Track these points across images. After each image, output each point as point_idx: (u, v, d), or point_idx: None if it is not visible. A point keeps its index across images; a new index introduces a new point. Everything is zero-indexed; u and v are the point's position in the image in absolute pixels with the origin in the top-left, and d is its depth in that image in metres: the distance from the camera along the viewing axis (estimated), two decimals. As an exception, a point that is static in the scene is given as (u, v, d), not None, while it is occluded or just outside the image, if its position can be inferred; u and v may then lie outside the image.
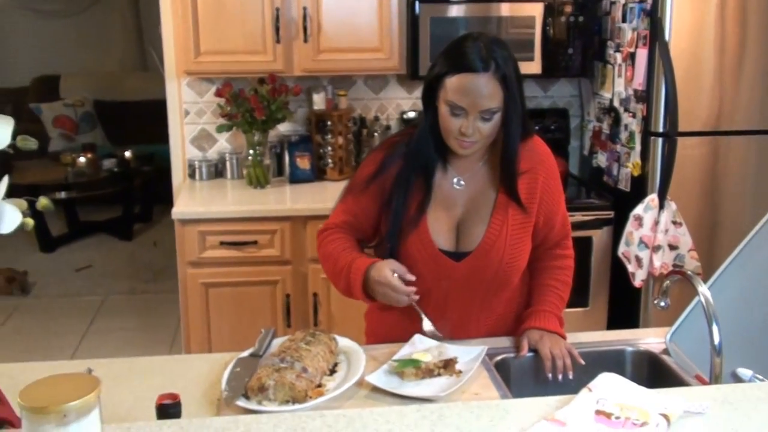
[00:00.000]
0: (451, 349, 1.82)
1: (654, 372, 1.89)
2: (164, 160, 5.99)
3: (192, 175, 3.70)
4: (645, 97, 3.18)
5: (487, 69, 1.74)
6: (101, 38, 7.62)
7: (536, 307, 1.97)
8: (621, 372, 1.90)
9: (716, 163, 3.25)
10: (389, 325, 2.02)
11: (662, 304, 1.74)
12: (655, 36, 3.09)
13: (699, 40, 3.11)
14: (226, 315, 3.31)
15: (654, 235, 3.18)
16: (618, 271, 3.37)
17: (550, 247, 2.01)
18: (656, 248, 3.18)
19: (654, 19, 3.08)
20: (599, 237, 3.38)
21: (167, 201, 4.39)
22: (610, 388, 1.38)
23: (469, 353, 1.80)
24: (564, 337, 1.92)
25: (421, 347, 1.83)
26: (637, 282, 3.24)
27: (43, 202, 1.00)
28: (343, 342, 1.84)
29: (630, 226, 3.23)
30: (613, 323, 3.47)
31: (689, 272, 1.67)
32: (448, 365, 1.72)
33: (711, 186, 3.27)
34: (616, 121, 3.44)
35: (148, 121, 6.78)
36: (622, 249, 3.29)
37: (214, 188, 3.60)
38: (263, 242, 3.25)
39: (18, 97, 7.23)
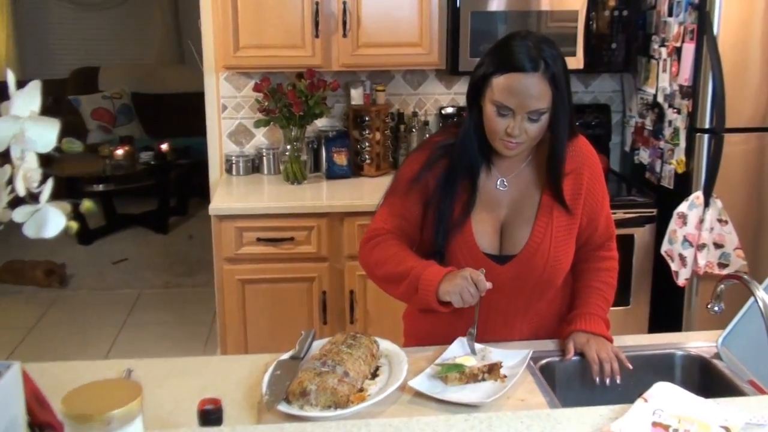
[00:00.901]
0: (495, 353, 1.78)
1: (705, 378, 1.83)
2: (200, 154, 6.02)
3: (229, 170, 3.69)
4: (691, 92, 3.10)
5: (536, 69, 1.69)
6: (139, 31, 7.66)
7: (581, 309, 1.92)
8: (670, 377, 1.86)
9: (763, 160, 3.17)
10: (429, 327, 1.99)
11: (716, 309, 1.68)
12: (702, 30, 3.01)
13: (747, 34, 3.02)
14: (262, 312, 3.30)
15: (699, 233, 3.10)
16: (660, 269, 3.30)
17: (594, 249, 1.97)
18: (701, 246, 3.10)
19: (702, 13, 3.00)
20: (641, 235, 3.31)
21: (203, 194, 4.41)
22: (667, 399, 1.33)
23: (513, 357, 1.76)
24: (610, 340, 1.87)
25: (464, 351, 1.79)
26: (681, 281, 3.17)
27: (87, 204, 0.98)
28: (384, 344, 1.81)
29: (674, 224, 3.16)
30: (655, 322, 3.40)
31: (745, 276, 1.60)
32: (492, 370, 1.68)
33: (757, 183, 3.18)
34: (660, 117, 3.36)
35: (185, 113, 6.79)
36: (665, 247, 3.22)
37: (250, 183, 3.59)
38: (300, 239, 3.23)
39: (57, 88, 7.28)
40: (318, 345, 1.79)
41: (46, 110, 1.06)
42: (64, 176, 5.58)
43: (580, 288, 1.97)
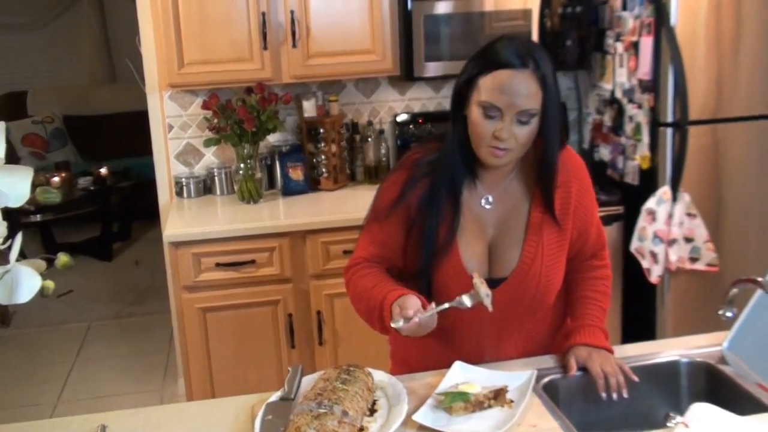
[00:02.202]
0: (497, 376, 1.68)
1: (713, 384, 1.76)
2: (141, 175, 5.83)
3: (179, 193, 3.52)
4: (652, 86, 3.06)
5: (525, 66, 1.59)
6: (68, 51, 7.36)
7: (579, 321, 1.83)
8: (676, 385, 1.79)
9: (720, 151, 3.13)
10: (417, 351, 1.88)
11: (729, 314, 1.61)
12: (660, 23, 2.97)
13: (703, 23, 2.99)
14: (226, 340, 3.14)
15: (669, 229, 3.06)
16: (630, 267, 3.25)
17: (586, 259, 1.89)
18: (671, 242, 3.06)
19: (658, 5, 2.96)
20: (609, 233, 3.25)
21: (146, 217, 4.22)
22: (708, 421, 1.24)
23: (517, 379, 1.66)
24: (611, 352, 1.79)
25: (465, 376, 1.68)
26: (654, 278, 3.12)
27: (63, 260, 0.84)
28: (378, 376, 1.69)
29: (643, 220, 3.12)
30: (628, 321, 3.35)
31: (760, 279, 1.53)
32: (498, 396, 1.58)
33: (720, 174, 3.15)
34: (620, 113, 3.32)
35: (121, 134, 6.59)
36: (635, 245, 3.17)
37: (204, 206, 3.42)
38: (261, 261, 3.08)
39: (-17, 116, 6.98)
40: (308, 381, 1.66)
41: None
42: (-2, 208, 5.30)
43: (575, 299, 1.88)
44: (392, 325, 1.57)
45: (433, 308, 1.57)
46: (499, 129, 1.61)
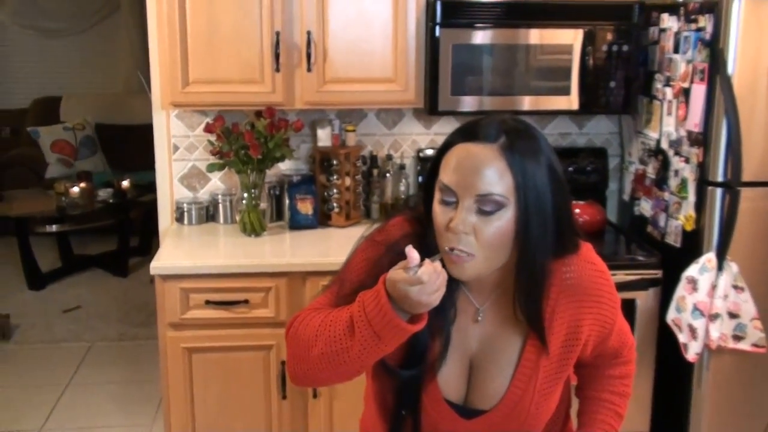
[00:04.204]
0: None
1: None
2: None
3: (180, 219, 3.28)
4: (702, 140, 2.72)
5: (491, 140, 1.26)
6: (105, 59, 7.25)
7: (588, 430, 1.51)
8: None
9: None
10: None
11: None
12: (715, 70, 2.63)
13: (765, 74, 2.64)
14: (211, 384, 2.88)
15: (711, 302, 2.71)
16: (666, 340, 2.90)
17: (606, 357, 1.55)
18: (713, 317, 2.71)
19: (714, 50, 2.62)
20: (644, 299, 2.91)
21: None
22: None
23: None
24: (623, 472, 1.46)
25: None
26: (691, 355, 2.77)
27: None
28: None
29: (682, 289, 2.77)
30: (659, 402, 2.99)
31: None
32: None
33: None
34: (665, 166, 2.98)
35: (151, 146, 6.39)
36: (672, 315, 2.82)
37: (204, 235, 3.17)
38: (255, 301, 2.81)
39: (16, 119, 6.89)
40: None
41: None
42: (13, 216, 5.16)
43: (587, 398, 1.57)
44: (407, 272, 1.20)
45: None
46: (455, 219, 1.26)
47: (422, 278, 1.19)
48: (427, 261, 1.21)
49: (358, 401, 2.67)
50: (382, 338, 1.25)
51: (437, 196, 1.30)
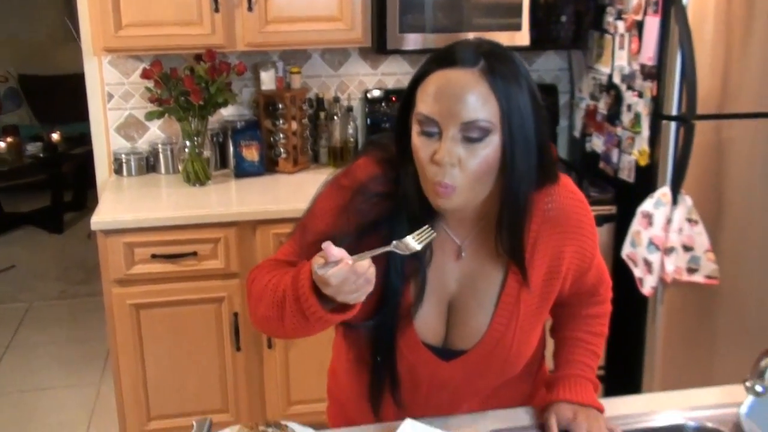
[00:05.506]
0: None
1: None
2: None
3: (119, 170, 3.13)
4: (655, 73, 2.68)
5: (472, 64, 1.19)
6: (27, 5, 6.86)
7: (565, 370, 1.47)
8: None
9: (732, 150, 2.77)
10: (358, 388, 1.48)
11: (759, 388, 1.24)
12: (669, 1, 2.58)
13: (719, 4, 2.61)
14: (162, 340, 2.78)
15: (666, 236, 2.71)
16: (620, 275, 2.90)
17: (582, 296, 1.51)
18: (668, 250, 2.71)
19: (668, -21, 2.58)
20: (599, 236, 2.89)
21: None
22: None
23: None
24: (602, 410, 1.43)
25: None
26: (647, 289, 2.77)
27: None
28: (303, 433, 1.32)
29: (637, 224, 2.76)
30: (615, 336, 2.99)
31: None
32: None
33: (726, 177, 2.79)
34: (617, 101, 2.95)
35: (81, 97, 6.12)
36: (627, 250, 2.82)
37: (144, 186, 3.03)
38: (204, 253, 2.71)
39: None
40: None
41: None
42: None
43: (563, 339, 1.52)
44: (316, 269, 1.13)
45: (368, 253, 1.15)
46: (439, 151, 1.19)
47: (329, 281, 1.12)
48: (345, 261, 1.11)
49: (314, 350, 2.61)
50: (308, 320, 1.20)
51: (416, 128, 1.22)
